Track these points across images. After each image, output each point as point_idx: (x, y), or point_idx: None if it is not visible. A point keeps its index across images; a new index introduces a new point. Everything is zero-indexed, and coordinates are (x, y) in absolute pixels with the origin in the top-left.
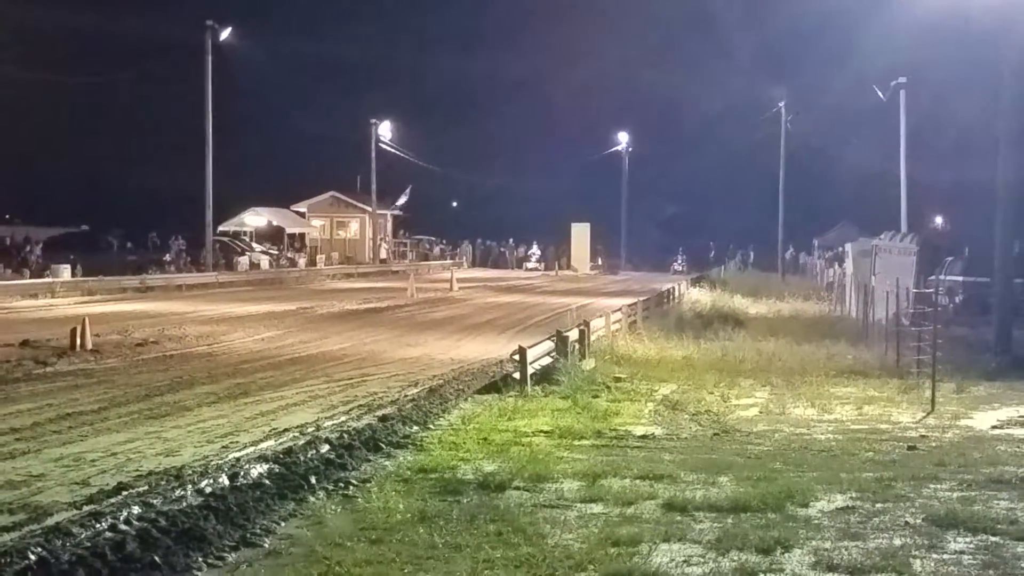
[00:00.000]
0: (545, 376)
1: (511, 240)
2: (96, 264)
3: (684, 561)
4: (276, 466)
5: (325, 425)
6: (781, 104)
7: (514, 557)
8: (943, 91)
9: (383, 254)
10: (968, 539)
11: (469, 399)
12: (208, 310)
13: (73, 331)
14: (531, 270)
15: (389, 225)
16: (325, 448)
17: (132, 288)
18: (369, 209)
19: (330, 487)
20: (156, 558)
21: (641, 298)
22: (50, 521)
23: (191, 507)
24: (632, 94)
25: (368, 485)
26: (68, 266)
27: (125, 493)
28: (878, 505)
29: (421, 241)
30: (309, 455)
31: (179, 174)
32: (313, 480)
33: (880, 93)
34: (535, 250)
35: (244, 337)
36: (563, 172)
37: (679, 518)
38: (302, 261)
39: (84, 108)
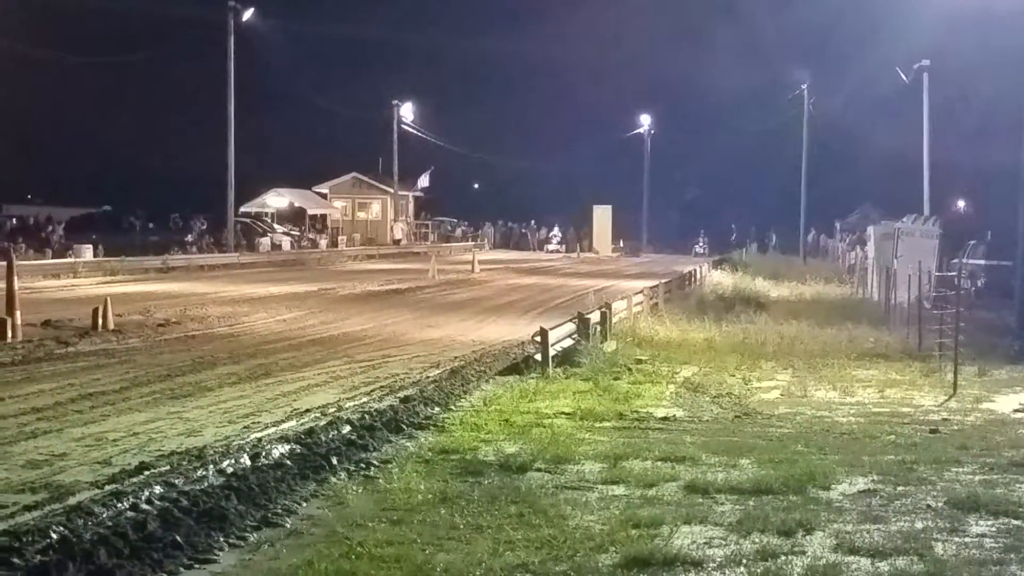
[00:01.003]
0: (566, 358)
1: (533, 222)
2: (118, 244)
3: (705, 543)
4: (297, 447)
5: (347, 406)
6: (804, 87)
7: (535, 538)
8: (967, 74)
9: (398, 234)
10: (990, 522)
11: (490, 381)
12: (230, 291)
13: (95, 311)
14: (552, 252)
15: (411, 207)
16: (347, 429)
17: (154, 269)
18: (391, 190)
19: (351, 468)
20: (178, 538)
21: (662, 280)
22: (72, 500)
23: (213, 487)
24: (655, 76)
25: (389, 466)
26: (90, 246)
27: (147, 473)
28: (900, 488)
29: (443, 223)
30: (331, 436)
31: (201, 155)
32: (334, 461)
33: (903, 76)
34: (556, 232)
35: (266, 318)
36: (585, 154)
37: (700, 500)
38: (323, 242)
39: (107, 88)
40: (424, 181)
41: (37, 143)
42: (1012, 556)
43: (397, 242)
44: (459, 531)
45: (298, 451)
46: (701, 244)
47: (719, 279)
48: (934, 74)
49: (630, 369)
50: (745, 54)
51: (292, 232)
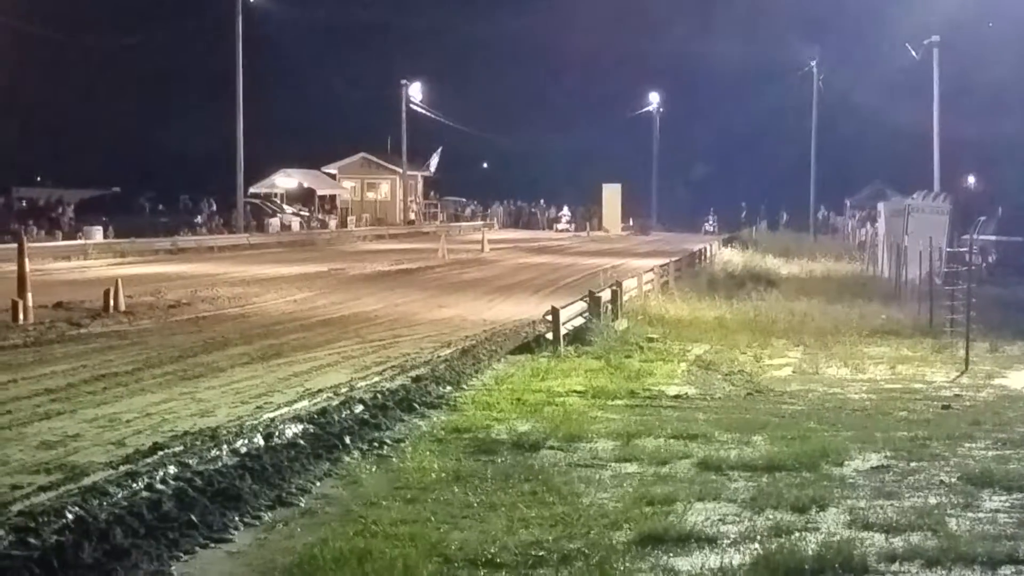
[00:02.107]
0: (578, 336)
1: (542, 201)
2: (128, 226)
3: (719, 520)
4: (310, 426)
5: (359, 386)
6: (813, 63)
7: (549, 516)
8: (977, 50)
9: (411, 215)
10: (1003, 498)
11: (502, 360)
12: (240, 272)
13: (106, 293)
14: (562, 231)
15: (420, 186)
16: (359, 408)
17: (164, 250)
18: (400, 170)
19: (365, 447)
20: (193, 517)
21: (673, 259)
22: (87, 481)
23: (226, 467)
24: (665, 53)
25: (402, 445)
26: (100, 228)
27: (161, 453)
28: (913, 464)
29: (458, 202)
30: (343, 415)
31: (210, 136)
32: (348, 440)
33: (913, 52)
34: (566, 211)
35: (276, 299)
36: (595, 132)
37: (713, 477)
38: (333, 223)
39: (116, 69)
40: (434, 163)
41: (47, 125)
42: None
43: (412, 222)
44: (473, 509)
45: (311, 431)
46: (711, 222)
47: (729, 257)
48: (944, 50)
49: (641, 347)
50: (755, 30)
51: (301, 213)
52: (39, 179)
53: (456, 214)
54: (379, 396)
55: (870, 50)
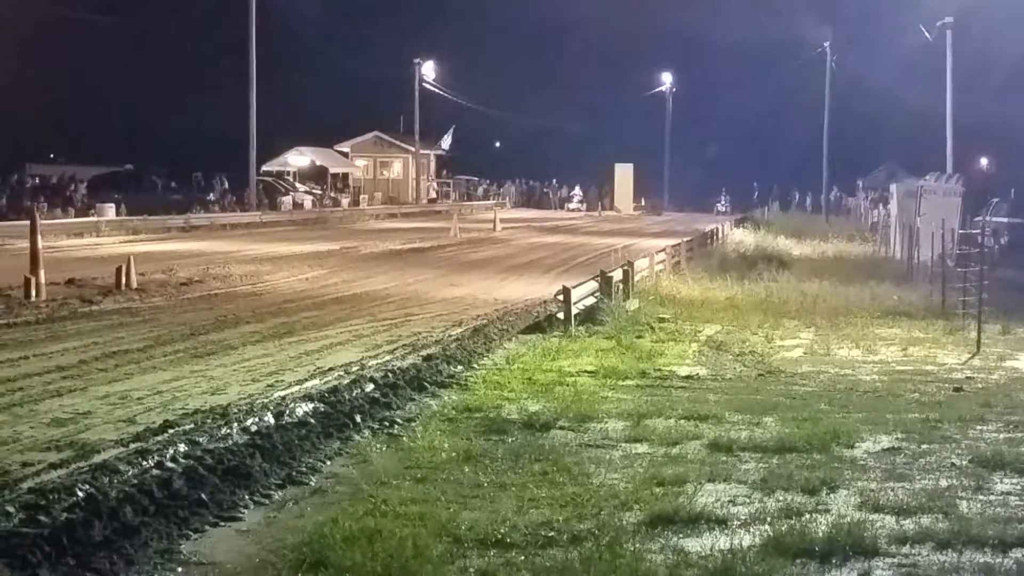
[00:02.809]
0: (589, 316)
1: (554, 180)
2: (140, 203)
3: (729, 501)
4: (321, 405)
5: (370, 364)
6: (826, 44)
7: (559, 496)
8: (990, 31)
9: (432, 194)
10: (1015, 480)
11: (513, 339)
12: (252, 249)
13: (118, 270)
14: (573, 211)
15: (432, 165)
16: (370, 387)
17: (176, 227)
18: (412, 149)
19: (375, 426)
20: (203, 495)
21: (684, 239)
22: (97, 458)
23: (237, 445)
24: (678, 33)
25: (413, 424)
26: (113, 205)
27: (171, 431)
28: (924, 446)
29: (470, 181)
30: (354, 394)
31: (223, 113)
32: (358, 419)
33: (926, 33)
34: (577, 191)
35: (288, 277)
36: (607, 112)
37: (724, 458)
38: (345, 201)
39: (128, 46)
40: (447, 142)
41: (59, 102)
42: None
43: (432, 201)
44: (483, 489)
45: (322, 409)
46: (723, 202)
47: (741, 237)
48: (958, 31)
49: (653, 327)
50: (768, 10)
51: (314, 191)
52: (52, 156)
53: (468, 193)
54: (390, 375)
55: (884, 31)
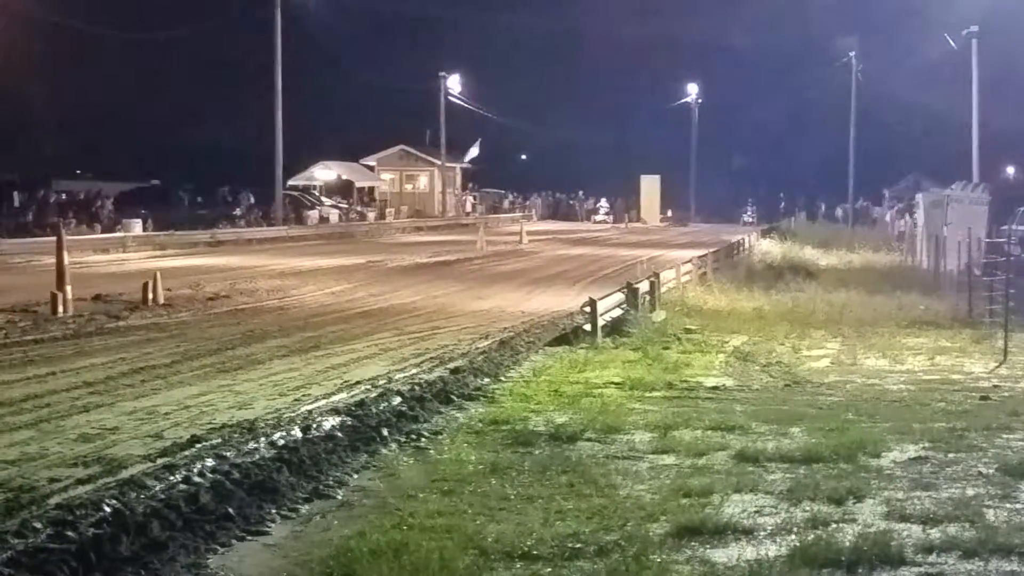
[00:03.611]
0: (615, 328)
1: (580, 192)
2: (167, 219)
3: (756, 512)
4: (348, 418)
5: (396, 378)
6: (852, 54)
7: (586, 508)
8: (1016, 39)
9: (468, 207)
10: None
11: (540, 351)
12: (278, 264)
13: (145, 285)
14: (600, 222)
15: (458, 178)
16: (397, 400)
17: (203, 242)
18: (438, 162)
19: (402, 439)
20: (230, 510)
21: (711, 250)
22: (124, 474)
23: (264, 459)
24: (703, 44)
25: (440, 437)
26: (139, 221)
27: (199, 446)
28: (951, 455)
29: (496, 194)
30: (381, 407)
31: (250, 128)
32: (385, 432)
33: (951, 41)
34: (604, 202)
35: (314, 291)
36: (633, 123)
37: (751, 469)
38: (371, 215)
39: (156, 63)
40: (474, 151)
41: (86, 118)
42: None
43: (468, 214)
44: (510, 501)
45: (349, 423)
46: (749, 213)
47: (768, 248)
48: (984, 40)
49: (679, 338)
50: (793, 21)
51: (340, 205)
52: (78, 172)
53: (495, 206)
54: (417, 388)
55: (909, 40)
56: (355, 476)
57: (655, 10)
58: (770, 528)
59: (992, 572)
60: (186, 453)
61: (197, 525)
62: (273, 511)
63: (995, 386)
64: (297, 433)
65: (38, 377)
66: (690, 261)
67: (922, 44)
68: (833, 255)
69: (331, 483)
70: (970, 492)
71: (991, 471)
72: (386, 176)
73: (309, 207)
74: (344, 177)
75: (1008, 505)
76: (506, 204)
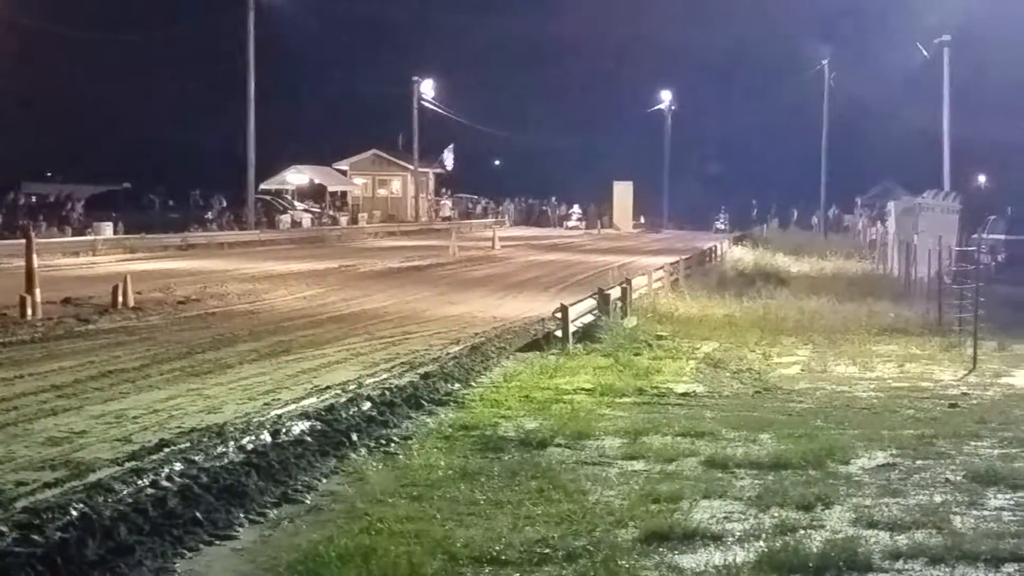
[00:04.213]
0: (587, 334)
1: (553, 198)
2: (138, 222)
3: (724, 517)
4: (318, 423)
5: (367, 382)
6: (824, 62)
7: (555, 513)
8: (987, 49)
9: (447, 212)
10: (1008, 496)
11: (511, 357)
12: (250, 268)
13: (115, 288)
14: (572, 229)
15: (431, 183)
16: (367, 405)
17: (174, 246)
18: (411, 167)
19: (372, 444)
20: (198, 514)
21: (683, 256)
22: (92, 477)
23: (233, 464)
24: (676, 51)
25: (410, 442)
26: (110, 224)
27: (167, 450)
28: (919, 462)
29: (469, 199)
30: (351, 412)
31: (221, 132)
32: (355, 437)
33: (924, 51)
34: (576, 209)
35: (286, 295)
36: (606, 130)
37: (720, 475)
38: (344, 219)
39: (127, 65)
40: (449, 159)
41: (57, 121)
42: None
43: (448, 219)
44: (479, 507)
45: (318, 428)
46: (722, 220)
47: (739, 255)
48: (956, 49)
49: (650, 345)
50: (767, 29)
51: (312, 209)
52: (49, 175)
53: (467, 211)
54: (387, 393)
55: (882, 49)
56: (324, 481)
57: (629, 17)
58: (738, 534)
59: None
60: (154, 457)
61: (165, 529)
62: (241, 515)
63: (964, 393)
64: (266, 437)
65: (5, 380)
66: (662, 268)
67: (895, 53)
68: (805, 262)
69: (300, 488)
70: (938, 499)
71: (959, 478)
72: (359, 180)
73: (281, 211)
74: (317, 181)
75: (975, 512)
76: (479, 209)
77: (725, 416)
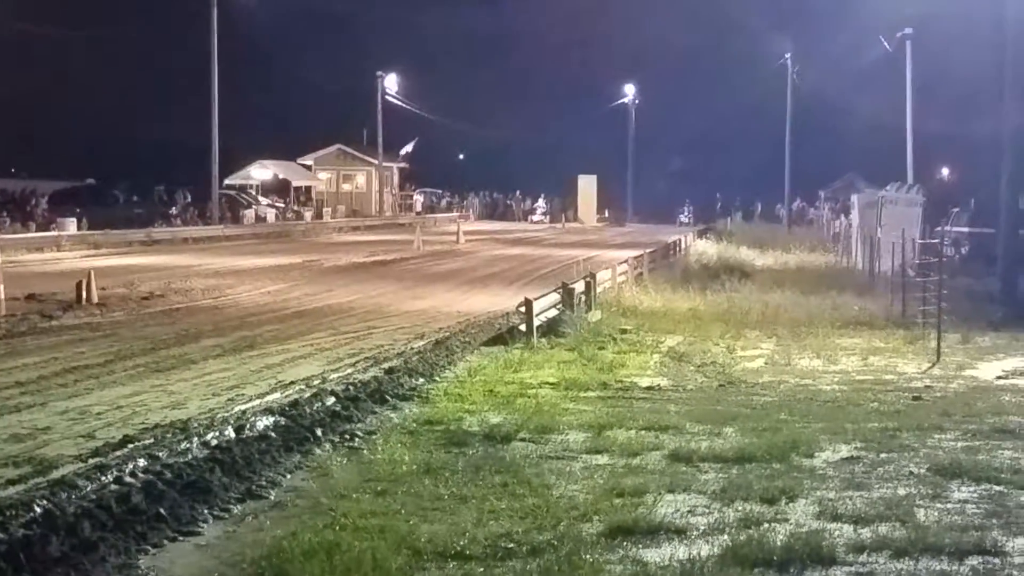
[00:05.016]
0: (551, 328)
1: (518, 192)
2: (102, 218)
3: (689, 511)
4: (282, 419)
5: (331, 378)
6: (787, 56)
7: (519, 508)
8: (949, 42)
9: (417, 207)
10: (972, 488)
11: (475, 351)
12: (214, 263)
13: (79, 285)
14: (537, 222)
15: (396, 178)
16: (331, 400)
17: (138, 241)
18: (375, 162)
19: (336, 439)
20: (162, 510)
21: (647, 250)
22: (56, 474)
23: (197, 460)
24: (640, 45)
25: (374, 437)
26: (74, 220)
27: (131, 446)
28: (883, 455)
29: (433, 194)
30: (315, 407)
31: (185, 127)
32: (319, 432)
33: (886, 44)
34: (541, 202)
35: (250, 290)
36: (570, 124)
37: (684, 469)
38: (308, 214)
39: (90, 61)
40: (408, 149)
41: (20, 117)
42: (994, 522)
43: (420, 213)
44: (443, 501)
45: (282, 423)
46: (686, 213)
47: (704, 248)
48: (917, 43)
49: (614, 339)
50: (730, 22)
51: (277, 204)
52: (13, 170)
53: (432, 205)
54: (351, 388)
55: (844, 42)
56: (288, 476)
57: (592, 11)
58: (703, 528)
59: (922, 571)
60: (118, 453)
61: (128, 525)
62: (205, 511)
63: (927, 386)
64: (230, 433)
65: None
66: (626, 261)
67: (858, 46)
68: (769, 255)
69: (264, 483)
70: (901, 492)
71: (922, 471)
72: (323, 175)
73: (246, 206)
74: (281, 176)
75: (939, 505)
76: (443, 204)
77: (689, 410)
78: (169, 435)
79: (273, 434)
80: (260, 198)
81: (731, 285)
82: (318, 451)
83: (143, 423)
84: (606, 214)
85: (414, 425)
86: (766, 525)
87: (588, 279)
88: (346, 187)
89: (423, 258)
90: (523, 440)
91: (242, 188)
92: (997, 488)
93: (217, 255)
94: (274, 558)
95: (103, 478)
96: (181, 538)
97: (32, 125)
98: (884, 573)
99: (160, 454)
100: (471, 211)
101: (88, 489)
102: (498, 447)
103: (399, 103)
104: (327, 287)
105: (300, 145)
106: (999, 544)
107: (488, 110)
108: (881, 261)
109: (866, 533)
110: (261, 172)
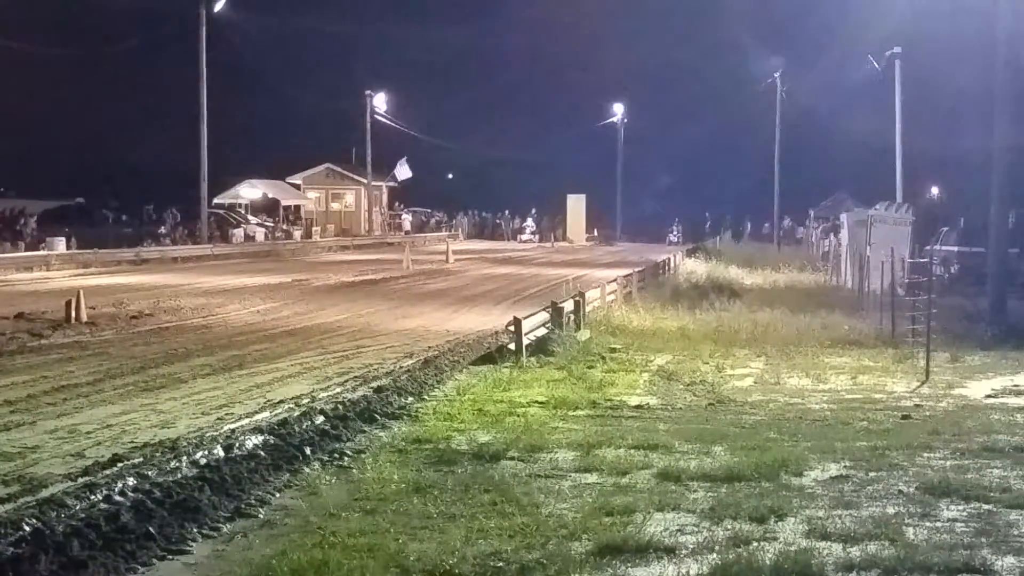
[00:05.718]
0: (540, 347)
1: (507, 212)
2: (91, 237)
3: (678, 530)
4: (271, 437)
5: (320, 396)
6: (776, 75)
7: (508, 527)
8: (939, 61)
9: (406, 226)
10: (961, 507)
11: (464, 370)
12: (203, 282)
13: (68, 303)
14: (526, 242)
15: (384, 197)
16: (320, 419)
17: (127, 261)
18: (364, 181)
19: (325, 458)
20: (151, 529)
21: (636, 269)
22: (45, 493)
23: (186, 478)
24: (629, 64)
25: (363, 456)
26: (63, 239)
27: (120, 465)
28: (872, 474)
29: (422, 213)
30: (304, 426)
31: (175, 147)
32: (308, 451)
33: (875, 63)
34: (530, 222)
35: (239, 309)
36: (559, 143)
37: (673, 487)
38: (297, 233)
39: (80, 80)
40: (403, 171)
41: (9, 136)
42: (983, 540)
43: (408, 233)
44: (432, 520)
45: (272, 442)
46: (675, 232)
47: (693, 267)
48: (907, 62)
49: (604, 358)
50: (719, 42)
51: (266, 223)
52: (2, 190)
53: (421, 224)
54: (340, 407)
55: (834, 62)
56: (277, 495)
57: (581, 31)
58: (692, 546)
59: None
60: (107, 472)
61: (117, 544)
62: (195, 530)
63: (917, 405)
64: (219, 452)
65: None
66: (615, 280)
67: (847, 65)
68: (758, 274)
69: (253, 502)
70: (891, 510)
71: (912, 489)
72: (312, 194)
73: (235, 225)
74: (270, 195)
75: (928, 523)
76: (432, 223)
77: (678, 428)
78: (158, 454)
79: (262, 453)
80: (249, 217)
81: (720, 304)
82: (307, 470)
83: (132, 442)
84: (595, 233)
85: (403, 444)
86: (755, 544)
87: (577, 298)
88: (335, 206)
89: (412, 277)
90: (512, 459)
91: (231, 207)
92: (986, 507)
93: (206, 274)
94: None
95: (92, 497)
96: (170, 557)
97: (21, 144)
98: None
99: (149, 473)
100: (460, 230)
101: (77, 508)
102: (487, 466)
103: (388, 122)
104: (316, 306)
105: (289, 164)
106: (988, 563)
107: (477, 129)
108: (870, 280)
109: (855, 552)
110: (250, 191)
